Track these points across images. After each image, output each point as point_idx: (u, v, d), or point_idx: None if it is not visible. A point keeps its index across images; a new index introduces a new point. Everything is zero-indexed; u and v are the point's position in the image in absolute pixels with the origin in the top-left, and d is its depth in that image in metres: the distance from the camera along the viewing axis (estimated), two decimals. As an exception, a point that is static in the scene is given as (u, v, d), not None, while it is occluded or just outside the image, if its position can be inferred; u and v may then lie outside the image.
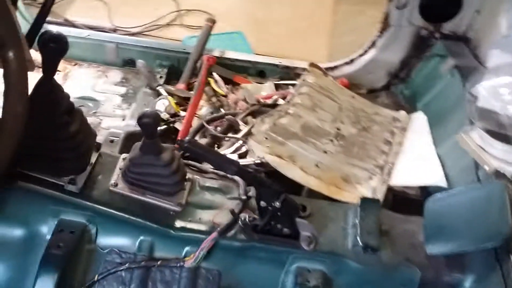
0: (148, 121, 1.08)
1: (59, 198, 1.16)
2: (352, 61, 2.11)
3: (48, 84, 1.05)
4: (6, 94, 0.91)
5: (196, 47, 2.04)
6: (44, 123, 1.09)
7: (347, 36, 3.02)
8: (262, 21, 3.30)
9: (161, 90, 1.90)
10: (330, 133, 1.69)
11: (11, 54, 0.89)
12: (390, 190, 1.54)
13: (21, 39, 0.92)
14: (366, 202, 1.30)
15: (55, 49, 1.01)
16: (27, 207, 1.15)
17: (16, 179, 1.16)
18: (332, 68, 2.12)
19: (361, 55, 2.09)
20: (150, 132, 1.12)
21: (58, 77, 1.91)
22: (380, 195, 1.49)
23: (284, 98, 1.88)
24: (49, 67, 1.04)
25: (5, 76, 0.91)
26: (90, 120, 1.74)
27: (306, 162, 1.53)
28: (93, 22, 2.88)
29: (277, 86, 2.03)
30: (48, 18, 1.27)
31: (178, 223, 1.21)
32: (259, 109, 1.81)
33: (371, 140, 1.73)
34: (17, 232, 1.13)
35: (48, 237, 1.11)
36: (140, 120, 1.09)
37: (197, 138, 1.70)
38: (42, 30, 1.08)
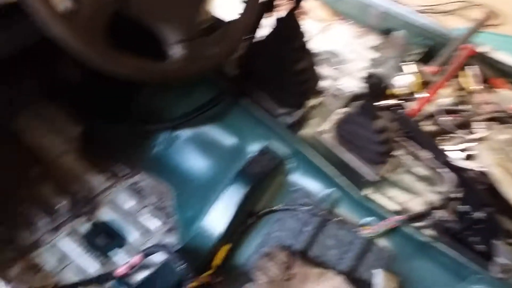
0: (374, 81, 1.08)
1: (271, 125, 1.25)
2: None
3: (288, 19, 1.15)
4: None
5: (462, 36, 1.89)
6: (277, 52, 1.18)
7: None
8: None
9: (410, 66, 1.83)
10: None
11: None
12: None
13: None
14: None
15: None
16: (243, 124, 1.26)
17: (240, 96, 1.28)
18: None
19: None
20: (373, 93, 1.11)
21: (319, 27, 2.04)
22: None
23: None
24: (293, 5, 1.14)
25: None
26: (328, 72, 1.82)
27: (538, 190, 1.32)
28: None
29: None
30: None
31: (369, 192, 1.19)
32: (504, 118, 1.61)
33: None
34: (229, 140, 1.26)
35: (251, 155, 1.21)
36: (367, 78, 1.09)
37: (425, 124, 1.61)
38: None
